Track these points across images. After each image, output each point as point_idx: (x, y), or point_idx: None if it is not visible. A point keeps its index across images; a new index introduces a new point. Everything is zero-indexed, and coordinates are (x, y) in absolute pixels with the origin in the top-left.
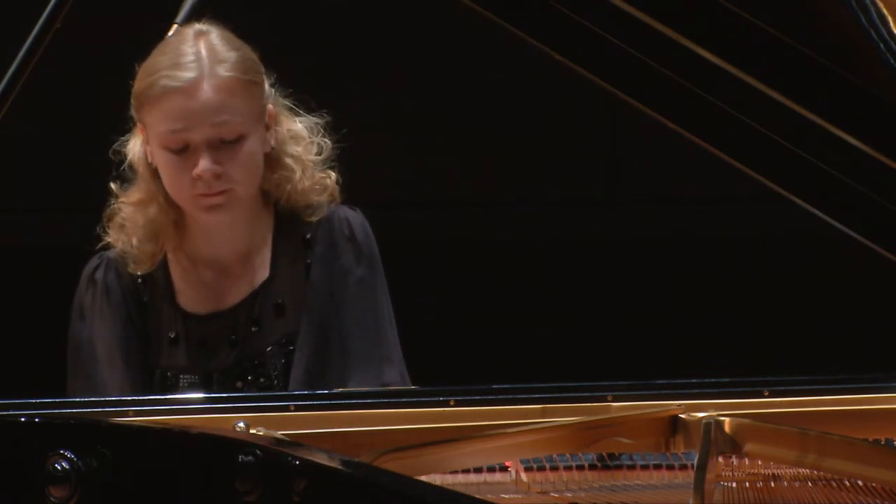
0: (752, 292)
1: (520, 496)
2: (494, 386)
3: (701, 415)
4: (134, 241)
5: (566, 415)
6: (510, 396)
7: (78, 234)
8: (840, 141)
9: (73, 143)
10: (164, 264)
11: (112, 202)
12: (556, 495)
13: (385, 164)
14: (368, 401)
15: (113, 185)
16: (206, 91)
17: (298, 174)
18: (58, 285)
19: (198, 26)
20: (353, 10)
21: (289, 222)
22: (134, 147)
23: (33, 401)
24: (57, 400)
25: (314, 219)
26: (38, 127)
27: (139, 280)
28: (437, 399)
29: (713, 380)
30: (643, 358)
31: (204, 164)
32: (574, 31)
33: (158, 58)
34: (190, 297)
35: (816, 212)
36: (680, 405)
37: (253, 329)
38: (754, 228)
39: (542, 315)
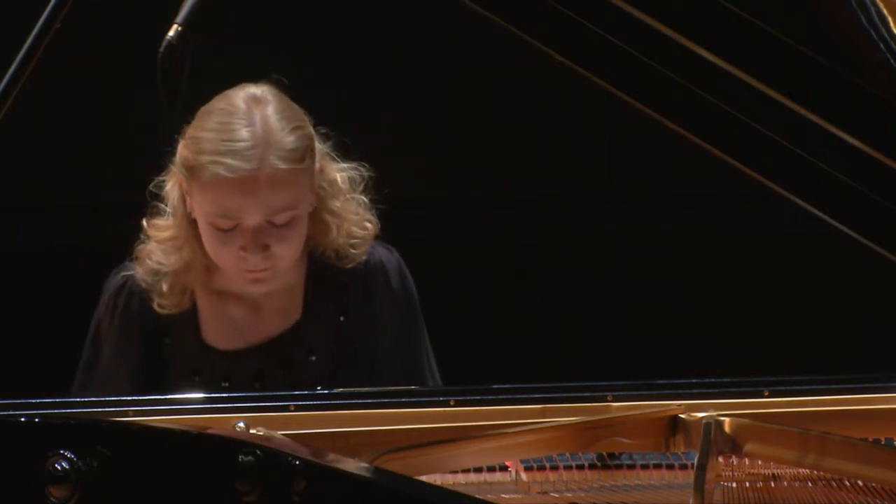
0: (752, 292)
1: (520, 496)
2: (494, 386)
3: (701, 415)
4: (164, 285)
5: (566, 415)
6: (510, 396)
7: (79, 234)
8: (840, 141)
9: (74, 143)
10: (190, 297)
11: (143, 238)
12: (556, 495)
13: (384, 164)
14: (368, 401)
15: (144, 222)
16: (262, 184)
17: (334, 232)
18: (58, 285)
19: (251, 91)
20: (352, 7)
21: (322, 266)
22: (172, 191)
23: (33, 401)
24: (57, 400)
25: (348, 265)
26: (38, 127)
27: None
28: (437, 399)
29: (713, 380)
30: (643, 358)
31: (253, 248)
32: (574, 31)
33: (210, 133)
34: (216, 332)
35: (816, 212)
36: (680, 405)
37: (282, 371)
38: (754, 228)
39: (542, 315)
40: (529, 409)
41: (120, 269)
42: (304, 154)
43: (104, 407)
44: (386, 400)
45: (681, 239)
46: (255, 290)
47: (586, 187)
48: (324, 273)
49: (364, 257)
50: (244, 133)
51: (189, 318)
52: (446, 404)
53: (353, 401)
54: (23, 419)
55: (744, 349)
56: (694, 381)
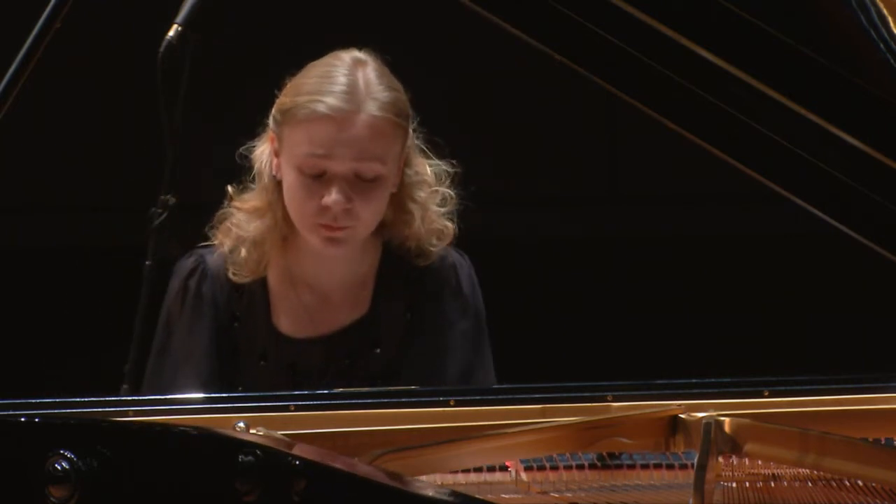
0: (752, 292)
1: (520, 496)
2: (494, 386)
3: (701, 415)
4: (242, 251)
5: (566, 415)
6: (510, 396)
7: (79, 234)
8: (840, 141)
9: (74, 143)
10: (263, 281)
11: (226, 204)
12: (556, 495)
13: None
14: (368, 401)
15: (230, 188)
16: (357, 126)
17: (418, 221)
18: (58, 285)
19: (356, 53)
20: (352, 6)
21: (395, 259)
22: (261, 155)
23: (33, 401)
24: (57, 400)
25: (422, 263)
26: (38, 127)
27: (235, 293)
28: (437, 399)
29: (713, 380)
30: (644, 357)
31: (337, 196)
32: (574, 31)
33: (311, 79)
34: (286, 319)
35: (816, 212)
36: (680, 405)
37: (346, 362)
38: (754, 228)
39: (542, 314)
40: (529, 409)
41: (190, 254)
42: (399, 111)
43: (104, 407)
44: (386, 400)
45: (681, 239)
46: (330, 252)
47: (586, 187)
48: (395, 269)
49: (437, 258)
50: (344, 79)
51: (261, 302)
52: (446, 404)
53: (353, 401)
54: (23, 419)
55: (744, 349)
56: (694, 381)
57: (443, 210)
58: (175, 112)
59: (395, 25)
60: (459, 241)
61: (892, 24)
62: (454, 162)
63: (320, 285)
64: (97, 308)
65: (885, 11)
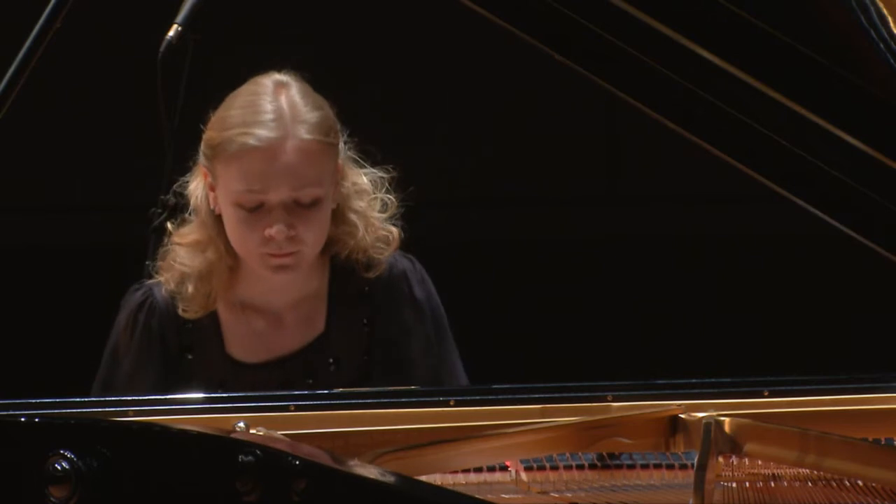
0: (752, 292)
1: (520, 496)
2: (494, 386)
3: (701, 415)
4: (189, 287)
5: (566, 415)
6: (510, 396)
7: (79, 234)
8: (840, 141)
9: (74, 143)
10: (212, 311)
11: (166, 242)
12: (556, 495)
13: (384, 164)
14: (368, 401)
15: (169, 225)
16: (288, 153)
17: (362, 231)
18: (58, 285)
19: (276, 77)
20: (353, 7)
21: (345, 274)
22: (196, 190)
23: (33, 401)
24: (57, 400)
25: (372, 274)
26: (38, 127)
27: (185, 325)
28: (437, 399)
29: (713, 380)
30: (644, 357)
31: (278, 227)
32: (574, 31)
33: (236, 111)
34: (240, 345)
35: (816, 212)
36: (680, 405)
37: (308, 382)
38: (754, 228)
39: (543, 314)
40: (529, 409)
41: (139, 286)
42: (328, 130)
43: (104, 407)
44: (386, 400)
45: (681, 239)
46: (280, 278)
47: (586, 187)
48: (347, 284)
49: (387, 268)
50: (270, 107)
51: (212, 332)
52: (446, 404)
53: (353, 401)
54: (23, 419)
55: (744, 349)
56: (694, 381)
57: (384, 216)
58: (175, 112)
59: (395, 26)
60: (460, 243)
61: (892, 24)
62: (389, 168)
63: (271, 309)
64: (97, 308)
65: (885, 11)
